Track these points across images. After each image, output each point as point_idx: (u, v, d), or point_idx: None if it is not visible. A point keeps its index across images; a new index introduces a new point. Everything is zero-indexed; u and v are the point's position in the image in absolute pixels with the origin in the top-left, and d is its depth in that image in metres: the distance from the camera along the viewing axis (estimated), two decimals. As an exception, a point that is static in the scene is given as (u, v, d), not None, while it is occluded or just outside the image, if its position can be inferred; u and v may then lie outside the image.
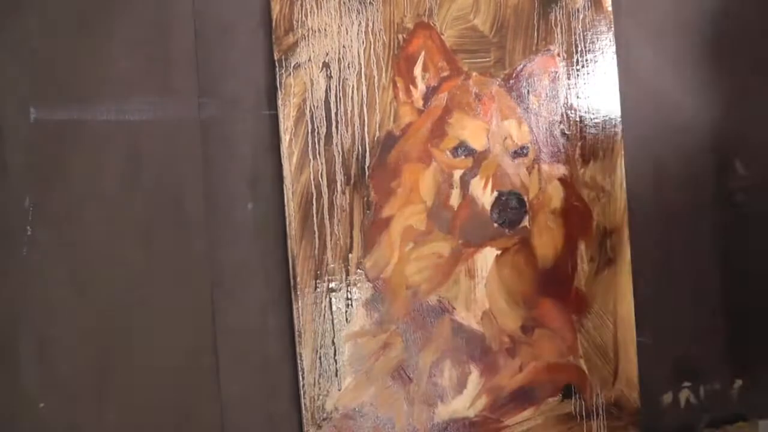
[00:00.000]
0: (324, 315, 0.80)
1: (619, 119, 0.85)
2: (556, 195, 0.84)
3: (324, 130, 0.79)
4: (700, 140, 0.91)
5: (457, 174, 0.82)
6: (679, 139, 0.91)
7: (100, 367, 0.79)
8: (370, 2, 0.80)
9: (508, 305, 0.83)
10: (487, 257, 0.83)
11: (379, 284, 0.81)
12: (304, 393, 0.80)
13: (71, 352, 0.78)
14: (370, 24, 0.80)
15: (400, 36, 0.81)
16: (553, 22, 0.84)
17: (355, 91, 0.80)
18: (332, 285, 0.80)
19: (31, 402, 0.78)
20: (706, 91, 0.92)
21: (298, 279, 0.79)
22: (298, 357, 0.79)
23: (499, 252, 0.83)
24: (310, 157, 0.79)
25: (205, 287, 0.81)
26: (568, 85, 0.84)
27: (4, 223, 0.76)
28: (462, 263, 0.82)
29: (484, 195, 0.82)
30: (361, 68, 0.80)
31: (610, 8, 0.85)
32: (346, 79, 0.80)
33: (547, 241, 0.84)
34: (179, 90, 0.80)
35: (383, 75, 0.80)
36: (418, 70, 0.81)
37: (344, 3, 0.80)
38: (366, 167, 0.80)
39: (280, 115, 0.79)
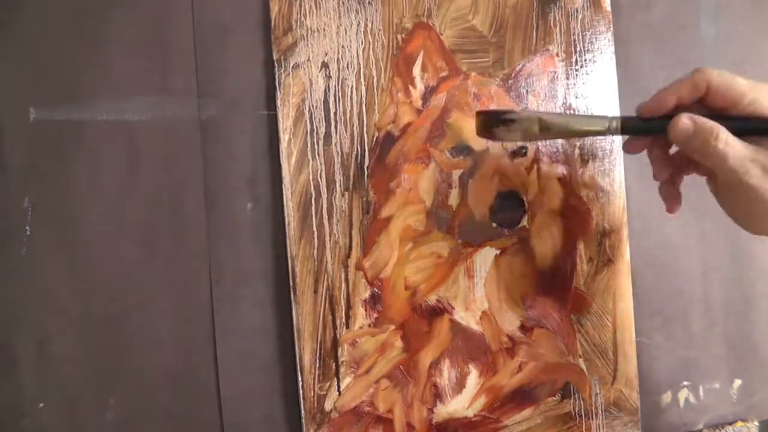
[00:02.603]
0: (323, 315, 0.80)
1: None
2: (555, 195, 0.84)
3: (323, 130, 0.80)
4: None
5: (456, 174, 0.82)
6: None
7: (100, 367, 0.79)
8: (368, 2, 0.80)
9: (507, 305, 0.83)
10: (486, 257, 0.83)
11: (378, 284, 0.81)
12: (303, 393, 0.80)
13: (71, 352, 0.78)
14: (369, 24, 0.80)
15: (398, 36, 0.81)
16: (552, 22, 0.84)
17: (354, 91, 0.80)
18: (331, 285, 0.80)
19: (31, 402, 0.78)
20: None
21: (297, 279, 0.79)
22: (297, 357, 0.80)
23: (498, 252, 0.83)
24: (309, 157, 0.79)
25: (204, 287, 0.81)
26: (567, 85, 0.84)
27: (3, 223, 0.77)
28: (461, 263, 0.82)
29: (483, 195, 0.82)
30: (360, 68, 0.80)
31: (609, 8, 0.85)
32: (345, 79, 0.80)
33: (546, 241, 0.84)
34: (179, 90, 0.80)
35: (382, 75, 0.81)
36: (416, 70, 0.81)
37: (343, 3, 0.80)
38: (365, 167, 0.80)
39: (279, 115, 0.79)
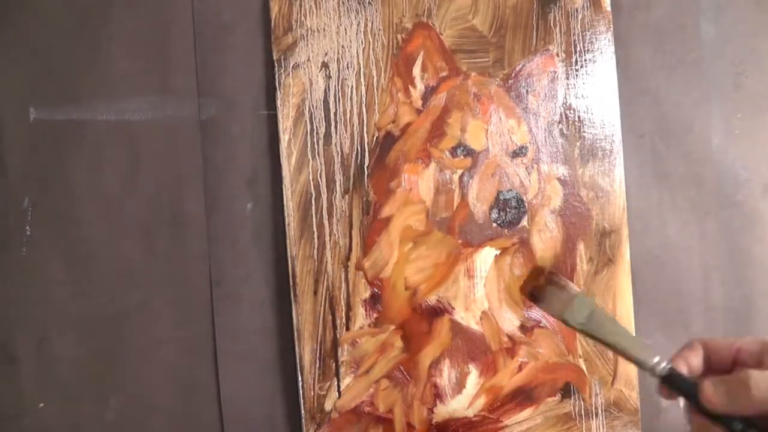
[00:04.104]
0: (323, 315, 0.80)
1: (618, 119, 0.85)
2: (555, 195, 0.84)
3: (323, 130, 0.80)
4: (699, 139, 0.91)
5: (456, 174, 0.82)
6: (678, 139, 0.91)
7: (100, 367, 0.79)
8: (368, 2, 0.80)
9: (507, 305, 0.83)
10: (486, 257, 0.83)
11: (378, 284, 0.81)
12: (304, 393, 0.80)
13: (71, 352, 0.78)
14: (369, 24, 0.80)
15: (399, 36, 0.81)
16: (552, 22, 0.84)
17: (354, 91, 0.80)
18: (331, 285, 0.80)
19: (31, 402, 0.78)
20: (706, 91, 0.91)
21: (297, 279, 0.79)
22: (298, 357, 0.80)
23: (498, 252, 0.83)
24: (309, 157, 0.79)
25: (204, 287, 0.81)
26: (567, 85, 0.84)
27: (3, 223, 0.77)
28: (461, 263, 0.82)
29: (483, 195, 0.82)
30: (360, 68, 0.80)
31: (609, 8, 0.85)
32: (345, 79, 0.80)
33: (546, 241, 0.84)
34: (179, 90, 0.80)
35: (382, 75, 0.81)
36: (416, 70, 0.81)
37: (343, 3, 0.80)
38: (365, 167, 0.80)
39: (279, 115, 0.79)
